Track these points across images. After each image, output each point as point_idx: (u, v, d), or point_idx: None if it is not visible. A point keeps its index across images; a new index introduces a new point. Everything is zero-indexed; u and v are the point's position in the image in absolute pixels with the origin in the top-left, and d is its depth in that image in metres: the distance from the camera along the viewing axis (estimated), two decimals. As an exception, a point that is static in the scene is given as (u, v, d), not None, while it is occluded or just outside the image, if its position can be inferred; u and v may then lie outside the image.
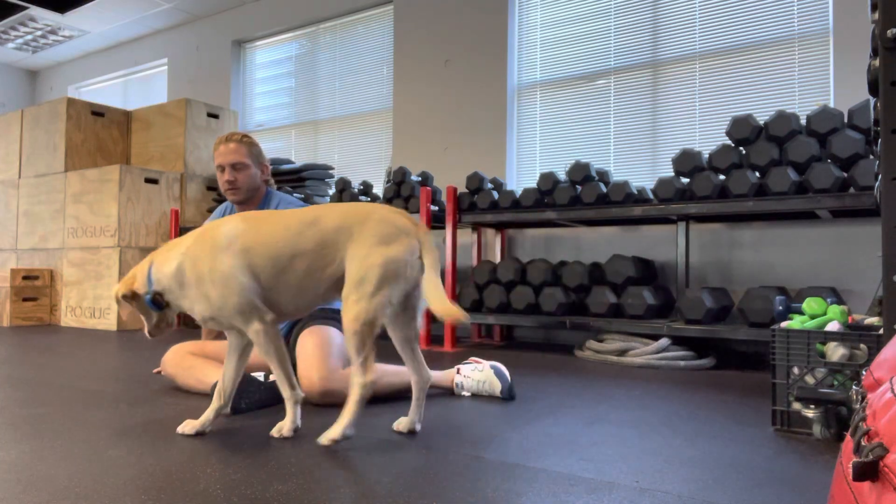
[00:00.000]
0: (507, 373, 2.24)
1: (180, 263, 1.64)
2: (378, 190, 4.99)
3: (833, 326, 1.78)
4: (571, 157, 4.27)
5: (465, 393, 2.26)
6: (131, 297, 1.66)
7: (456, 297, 3.76)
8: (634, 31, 4.08)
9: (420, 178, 4.14)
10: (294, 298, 1.63)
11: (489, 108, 4.54)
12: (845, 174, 2.78)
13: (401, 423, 1.74)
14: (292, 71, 5.78)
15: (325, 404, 2.07)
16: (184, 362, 2.28)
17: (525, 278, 3.64)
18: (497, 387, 2.21)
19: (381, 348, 3.71)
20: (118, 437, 1.67)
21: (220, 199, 5.24)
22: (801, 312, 2.02)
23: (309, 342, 2.22)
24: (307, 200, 4.76)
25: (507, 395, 2.20)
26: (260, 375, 2.09)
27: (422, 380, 1.73)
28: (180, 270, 1.64)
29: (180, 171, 5.27)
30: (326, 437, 1.56)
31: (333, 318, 2.40)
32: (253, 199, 2.46)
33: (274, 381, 2.10)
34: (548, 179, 3.54)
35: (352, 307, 1.53)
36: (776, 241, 3.47)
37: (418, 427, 1.74)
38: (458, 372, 2.28)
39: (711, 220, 3.56)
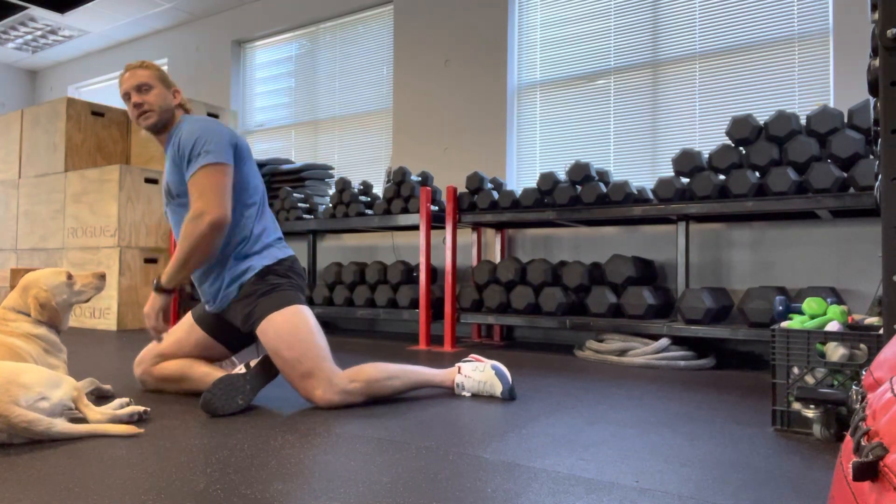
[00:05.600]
0: (507, 373, 2.24)
1: None
2: (378, 190, 4.99)
3: (833, 326, 1.78)
4: (571, 157, 4.27)
5: (465, 393, 2.26)
6: None
7: (456, 297, 3.76)
8: (634, 31, 4.08)
9: (420, 178, 4.14)
10: None
11: (489, 108, 4.54)
12: (845, 174, 2.78)
13: None
14: (292, 71, 5.78)
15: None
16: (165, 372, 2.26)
17: (525, 278, 3.64)
18: (498, 388, 2.21)
19: (381, 348, 3.71)
20: (118, 436, 1.67)
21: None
22: (801, 312, 2.02)
23: (285, 343, 1.99)
24: (307, 200, 4.76)
25: (508, 396, 2.20)
26: (241, 369, 2.06)
27: None
28: None
29: (180, 171, 5.27)
30: None
31: (280, 286, 2.08)
32: (168, 126, 2.16)
33: (256, 365, 2.05)
34: (548, 179, 3.54)
35: None
36: (776, 241, 3.47)
37: None
38: (458, 371, 2.28)
39: (711, 220, 3.56)
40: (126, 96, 2.14)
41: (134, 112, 2.13)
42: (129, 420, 1.80)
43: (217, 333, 2.25)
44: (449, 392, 2.30)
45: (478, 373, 2.25)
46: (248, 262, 2.11)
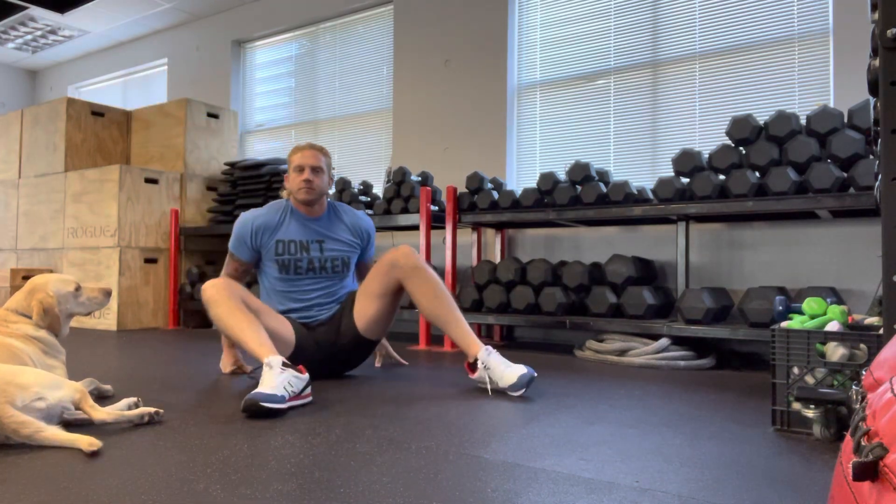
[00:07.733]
0: (533, 371, 2.26)
1: None
2: (378, 190, 4.99)
3: (833, 326, 1.78)
4: (571, 157, 4.27)
5: (480, 369, 2.30)
6: None
7: (456, 297, 3.75)
8: (634, 31, 4.08)
9: (420, 178, 4.14)
10: None
11: (489, 108, 4.54)
12: (845, 174, 2.78)
13: None
14: (292, 71, 5.78)
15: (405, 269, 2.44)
16: (232, 303, 2.24)
17: (525, 278, 3.64)
18: (520, 370, 2.23)
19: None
20: (118, 436, 1.67)
21: (221, 200, 5.22)
22: (801, 312, 2.02)
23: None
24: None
25: (527, 379, 2.21)
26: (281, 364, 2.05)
27: None
28: None
29: (180, 171, 5.27)
30: None
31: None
32: (319, 204, 2.65)
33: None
34: (548, 179, 3.54)
35: None
36: (776, 241, 3.47)
37: None
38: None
39: (711, 220, 3.56)
40: (299, 168, 2.56)
41: (301, 183, 2.55)
42: (139, 421, 1.78)
43: (301, 333, 2.52)
44: (463, 364, 2.35)
45: (505, 360, 2.32)
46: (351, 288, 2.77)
